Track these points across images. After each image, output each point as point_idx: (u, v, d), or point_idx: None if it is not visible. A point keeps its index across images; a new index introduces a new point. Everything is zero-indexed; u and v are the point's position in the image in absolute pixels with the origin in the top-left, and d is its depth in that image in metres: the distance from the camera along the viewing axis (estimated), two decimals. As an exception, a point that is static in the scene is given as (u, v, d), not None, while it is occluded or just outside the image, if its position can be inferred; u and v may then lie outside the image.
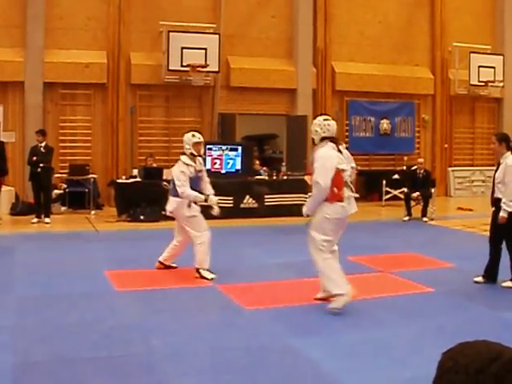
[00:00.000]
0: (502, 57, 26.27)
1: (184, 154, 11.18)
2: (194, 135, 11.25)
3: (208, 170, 18.68)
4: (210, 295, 9.86)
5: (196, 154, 11.18)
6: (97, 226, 17.13)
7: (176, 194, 11.00)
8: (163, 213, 12.05)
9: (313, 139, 9.20)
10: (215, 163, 18.97)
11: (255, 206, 18.89)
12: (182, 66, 21.12)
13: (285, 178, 19.99)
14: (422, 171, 19.47)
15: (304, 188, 19.31)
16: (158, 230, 16.52)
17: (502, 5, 27.08)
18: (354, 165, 9.70)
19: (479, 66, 25.58)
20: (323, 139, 9.02)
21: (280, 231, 16.67)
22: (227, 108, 22.50)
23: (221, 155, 19.03)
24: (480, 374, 1.62)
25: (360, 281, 10.81)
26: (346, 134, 24.44)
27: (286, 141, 23.21)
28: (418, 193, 18.79)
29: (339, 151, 9.04)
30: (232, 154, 19.17)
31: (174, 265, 11.61)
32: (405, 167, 22.50)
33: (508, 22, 27.13)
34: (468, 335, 6.69)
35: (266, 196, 19.01)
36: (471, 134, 26.95)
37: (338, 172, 8.87)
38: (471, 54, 25.40)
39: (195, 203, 11.10)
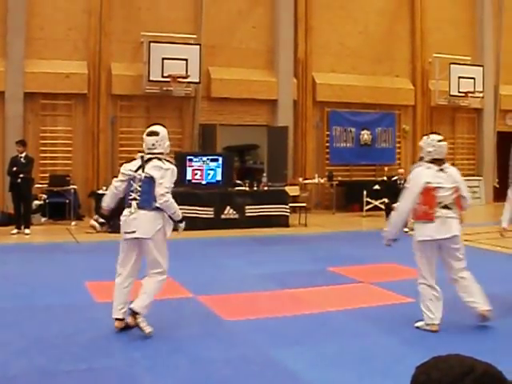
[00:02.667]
0: (481, 68, 26.48)
1: (167, 160, 8.73)
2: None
3: (188, 181, 18.78)
4: (190, 307, 9.82)
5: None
6: (77, 237, 17.07)
7: (156, 207, 8.42)
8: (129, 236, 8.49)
9: (421, 157, 8.90)
10: (196, 174, 18.96)
11: (236, 216, 18.88)
12: (162, 76, 21.15)
13: (265, 188, 20.01)
14: (402, 181, 19.48)
15: (285, 199, 19.38)
16: (139, 241, 16.50)
17: (482, 16, 27.28)
18: (461, 185, 8.86)
19: (459, 77, 25.77)
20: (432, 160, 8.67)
21: (261, 242, 16.67)
22: (208, 119, 22.53)
23: (201, 166, 19.02)
24: None
25: (341, 291, 10.85)
26: (327, 144, 24.53)
27: (266, 151, 23.23)
28: (398, 203, 18.80)
29: (441, 170, 8.64)
30: (213, 164, 19.16)
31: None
32: (385, 178, 22.55)
33: (487, 33, 27.34)
34: (449, 345, 6.72)
35: (246, 207, 19.01)
36: (452, 144, 27.02)
37: (429, 190, 8.48)
38: (451, 65, 25.59)
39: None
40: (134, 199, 8.39)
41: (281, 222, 19.18)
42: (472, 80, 26.05)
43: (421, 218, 8.55)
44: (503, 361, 6.96)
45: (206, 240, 16.70)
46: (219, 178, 19.21)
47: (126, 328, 8.23)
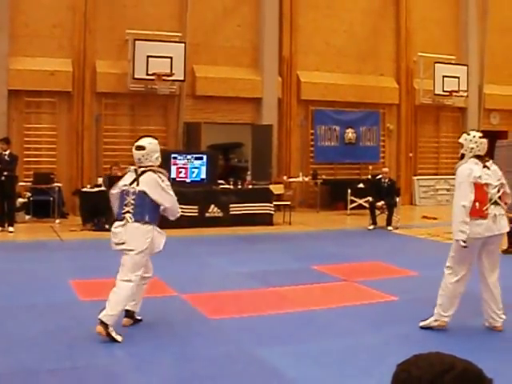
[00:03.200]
0: (466, 67, 26.57)
1: (161, 172, 8.93)
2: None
3: (173, 179, 18.71)
4: (174, 305, 9.81)
5: None
6: (61, 235, 17.03)
7: (151, 220, 8.60)
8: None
9: (462, 155, 8.75)
10: (180, 172, 18.95)
11: (220, 214, 18.87)
12: (147, 74, 21.11)
13: (250, 187, 20.01)
14: (386, 180, 19.59)
15: (269, 197, 19.39)
16: (123, 239, 16.48)
17: (466, 16, 27.38)
18: (503, 181, 8.89)
19: (444, 76, 25.84)
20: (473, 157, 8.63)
21: (245, 240, 16.67)
22: (192, 117, 22.50)
23: (186, 164, 19.01)
24: None
25: (325, 290, 10.87)
26: (312, 143, 24.55)
27: (251, 150, 23.23)
28: (382, 202, 18.90)
29: (485, 167, 8.61)
30: (197, 162, 19.15)
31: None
32: (370, 176, 22.65)
33: (472, 32, 27.44)
34: (433, 343, 6.76)
35: (231, 205, 19.00)
36: (436, 143, 27.18)
37: (480, 186, 8.47)
38: (436, 64, 25.66)
39: None
40: (128, 212, 8.49)
41: (265, 220, 19.19)
42: (456, 79, 26.14)
43: (473, 215, 8.33)
44: (499, 360, 6.98)
45: (191, 238, 16.70)
46: (203, 176, 19.21)
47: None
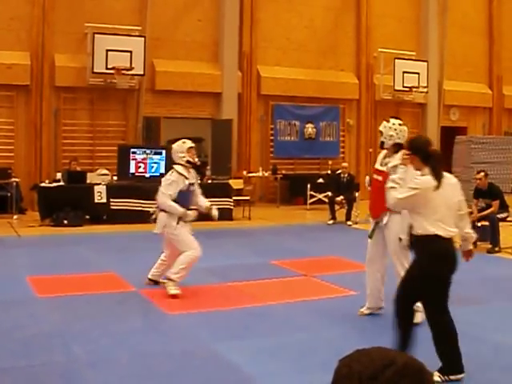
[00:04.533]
0: (426, 63, 26.77)
1: (174, 170, 10.15)
2: (184, 142, 10.30)
3: (132, 174, 18.66)
4: (132, 300, 9.77)
5: (193, 160, 10.16)
6: (19, 230, 16.84)
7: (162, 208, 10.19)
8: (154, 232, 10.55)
9: (382, 143, 8.88)
10: (139, 167, 18.83)
11: (180, 210, 18.79)
12: (106, 68, 20.95)
13: (209, 181, 19.97)
14: (346, 175, 19.69)
15: (228, 192, 19.36)
16: (82, 234, 16.42)
17: (427, 12, 27.60)
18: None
19: (404, 72, 26.01)
20: (396, 145, 8.71)
21: (204, 235, 16.51)
22: (152, 111, 22.40)
23: (145, 159, 18.91)
24: (373, 380, 1.64)
25: (283, 285, 10.89)
26: (271, 138, 24.58)
27: (211, 145, 23.19)
28: (342, 197, 18.98)
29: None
30: (156, 157, 19.05)
31: (162, 280, 10.46)
32: (329, 171, 22.71)
33: (432, 28, 27.66)
34: (391, 337, 6.74)
35: (190, 200, 18.92)
36: (395, 138, 27.26)
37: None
38: (396, 60, 25.81)
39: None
40: None
41: (224, 215, 19.06)
42: (416, 75, 26.31)
43: None
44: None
45: (149, 233, 16.58)
46: (163, 170, 19.07)
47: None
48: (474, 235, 7.18)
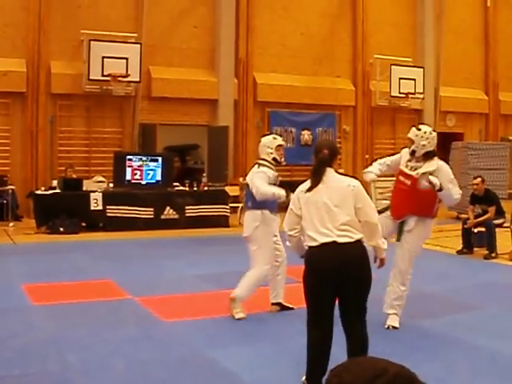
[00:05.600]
0: (422, 69, 26.80)
1: (261, 164, 9.36)
2: (275, 137, 9.56)
3: (128, 181, 18.65)
4: (128, 308, 9.73)
5: (279, 159, 9.43)
6: (15, 238, 16.80)
7: (254, 206, 9.27)
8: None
9: (414, 151, 8.79)
10: (135, 174, 18.82)
11: (176, 217, 18.80)
12: (102, 75, 20.95)
13: (206, 188, 19.96)
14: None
15: (225, 199, 19.35)
16: (78, 242, 16.40)
17: (423, 18, 27.64)
18: None
19: (400, 78, 26.04)
20: (428, 153, 8.75)
21: (200, 242, 16.62)
22: (148, 118, 22.38)
23: (141, 166, 18.89)
24: None
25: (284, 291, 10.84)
26: (268, 144, 24.51)
27: (207, 151, 23.17)
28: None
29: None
30: (152, 164, 19.05)
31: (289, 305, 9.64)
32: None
33: (428, 35, 27.71)
34: (383, 343, 6.74)
35: (186, 207, 18.93)
36: (392, 144, 27.27)
37: None
38: (392, 66, 25.83)
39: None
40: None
41: (221, 222, 19.16)
42: (412, 81, 26.34)
43: None
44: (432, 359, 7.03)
45: (146, 241, 16.61)
46: (159, 178, 19.11)
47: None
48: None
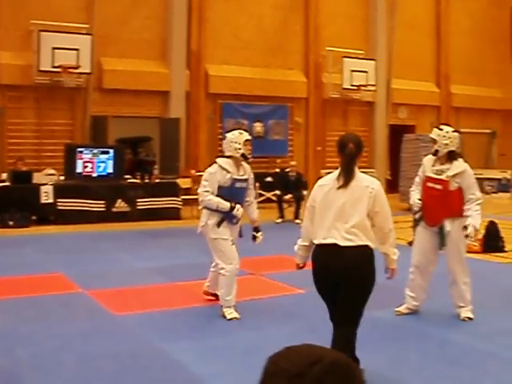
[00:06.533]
0: (374, 61, 26.97)
1: (222, 156, 9.12)
2: (241, 132, 9.07)
3: (79, 174, 18.49)
4: (79, 302, 9.66)
5: (247, 155, 9.01)
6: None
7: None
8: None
9: (436, 151, 8.73)
10: (87, 166, 18.69)
11: (127, 209, 18.69)
12: (53, 66, 20.66)
13: (157, 181, 19.88)
14: (294, 174, 19.73)
15: (176, 191, 19.29)
16: (28, 235, 16.21)
17: (375, 11, 27.81)
18: None
19: (352, 70, 26.16)
20: (450, 152, 8.74)
21: (152, 235, 16.54)
22: (100, 110, 22.14)
23: (92, 158, 18.76)
24: (300, 377, 1.64)
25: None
26: (220, 136, 24.41)
27: (159, 144, 23.06)
28: (290, 195, 19.00)
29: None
30: (104, 157, 18.92)
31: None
32: (278, 170, 22.71)
33: (381, 27, 27.87)
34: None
35: (138, 199, 18.83)
36: (344, 136, 27.39)
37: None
38: (344, 59, 25.96)
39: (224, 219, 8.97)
40: None
41: (172, 214, 19.10)
42: (365, 73, 26.47)
43: None
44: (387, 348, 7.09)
45: (97, 234, 16.49)
46: (110, 170, 18.99)
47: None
48: None
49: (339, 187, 6.32)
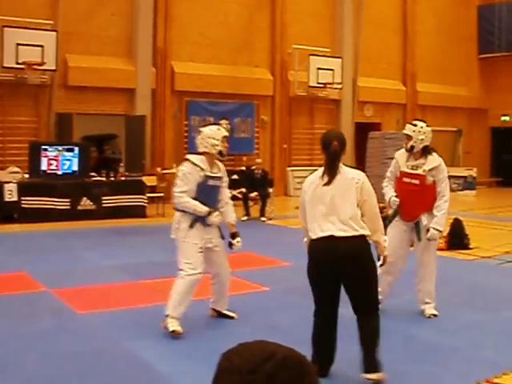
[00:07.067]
0: (340, 59, 27.02)
1: (199, 153, 8.47)
2: (219, 128, 8.62)
3: (43, 172, 18.35)
4: (42, 301, 9.59)
5: (225, 152, 8.50)
6: None
7: (177, 207, 8.55)
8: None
9: (412, 147, 8.81)
10: (51, 164, 18.54)
11: (93, 207, 18.57)
12: (17, 63, 20.44)
13: (123, 178, 19.79)
14: (259, 171, 19.75)
15: (142, 189, 19.22)
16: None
17: (342, 9, 27.92)
18: None
19: (318, 68, 26.19)
20: (426, 148, 8.89)
21: (117, 233, 16.46)
22: (64, 108, 21.96)
23: (57, 156, 18.63)
24: (253, 373, 1.66)
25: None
26: (186, 134, 24.40)
27: (124, 141, 22.94)
28: (256, 193, 19.02)
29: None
30: (69, 154, 18.80)
31: (230, 314, 8.88)
32: (244, 167, 22.71)
33: (347, 26, 27.98)
34: (302, 332, 6.84)
35: (103, 197, 18.72)
36: (310, 134, 27.51)
37: None
38: (310, 57, 25.97)
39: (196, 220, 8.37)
40: None
41: (138, 212, 19.02)
42: (331, 71, 26.52)
43: None
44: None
45: (62, 232, 16.38)
46: (75, 168, 18.87)
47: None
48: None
49: (324, 184, 6.51)
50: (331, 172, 6.54)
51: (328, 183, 6.50)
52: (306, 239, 6.84)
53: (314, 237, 6.48)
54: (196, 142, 8.60)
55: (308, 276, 6.59)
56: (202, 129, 8.64)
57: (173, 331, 7.84)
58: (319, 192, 6.52)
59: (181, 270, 8.22)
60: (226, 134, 8.63)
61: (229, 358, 1.73)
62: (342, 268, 6.35)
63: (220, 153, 8.38)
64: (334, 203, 6.43)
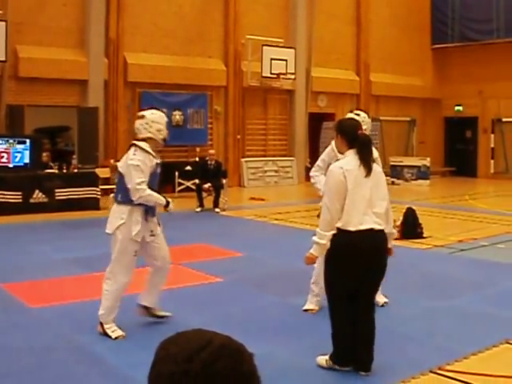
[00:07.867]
0: (293, 50, 27.06)
1: (141, 140, 7.97)
2: (162, 114, 8.33)
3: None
4: (-8, 294, 9.51)
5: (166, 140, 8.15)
6: None
7: (124, 200, 7.86)
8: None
9: None
10: (2, 157, 18.35)
11: (45, 200, 18.38)
12: (-35, 54, 20.22)
13: (76, 171, 19.65)
14: (213, 162, 19.73)
15: (95, 181, 19.10)
16: None
17: (296, 0, 27.84)
18: None
19: (271, 59, 26.22)
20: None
21: (70, 226, 16.34)
22: (15, 99, 21.70)
23: (8, 148, 18.43)
24: (189, 362, 1.65)
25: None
26: (140, 125, 24.24)
27: (77, 133, 22.75)
28: (209, 184, 19.00)
29: None
30: (20, 147, 18.61)
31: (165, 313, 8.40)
32: (197, 158, 22.70)
33: (301, 16, 28.02)
34: (255, 322, 6.90)
35: (56, 190, 18.56)
36: (264, 125, 27.56)
37: None
38: (264, 47, 25.98)
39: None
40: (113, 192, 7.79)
41: (92, 204, 18.88)
42: (284, 62, 26.56)
43: None
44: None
45: (14, 226, 16.20)
46: (27, 160, 18.69)
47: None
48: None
49: (366, 175, 6.43)
50: (369, 163, 6.48)
51: (368, 175, 6.43)
52: (331, 232, 6.46)
53: (352, 229, 6.29)
54: (137, 127, 8.03)
55: (336, 269, 6.48)
56: (143, 113, 8.20)
57: (117, 337, 7.57)
58: (360, 182, 6.40)
59: (109, 278, 8.03)
60: (166, 120, 8.29)
61: (165, 347, 1.73)
62: (374, 261, 6.37)
63: (164, 140, 8.07)
64: (371, 196, 6.41)
